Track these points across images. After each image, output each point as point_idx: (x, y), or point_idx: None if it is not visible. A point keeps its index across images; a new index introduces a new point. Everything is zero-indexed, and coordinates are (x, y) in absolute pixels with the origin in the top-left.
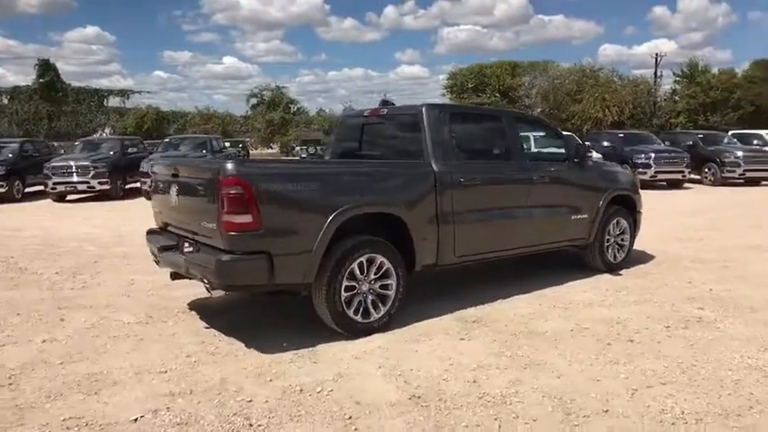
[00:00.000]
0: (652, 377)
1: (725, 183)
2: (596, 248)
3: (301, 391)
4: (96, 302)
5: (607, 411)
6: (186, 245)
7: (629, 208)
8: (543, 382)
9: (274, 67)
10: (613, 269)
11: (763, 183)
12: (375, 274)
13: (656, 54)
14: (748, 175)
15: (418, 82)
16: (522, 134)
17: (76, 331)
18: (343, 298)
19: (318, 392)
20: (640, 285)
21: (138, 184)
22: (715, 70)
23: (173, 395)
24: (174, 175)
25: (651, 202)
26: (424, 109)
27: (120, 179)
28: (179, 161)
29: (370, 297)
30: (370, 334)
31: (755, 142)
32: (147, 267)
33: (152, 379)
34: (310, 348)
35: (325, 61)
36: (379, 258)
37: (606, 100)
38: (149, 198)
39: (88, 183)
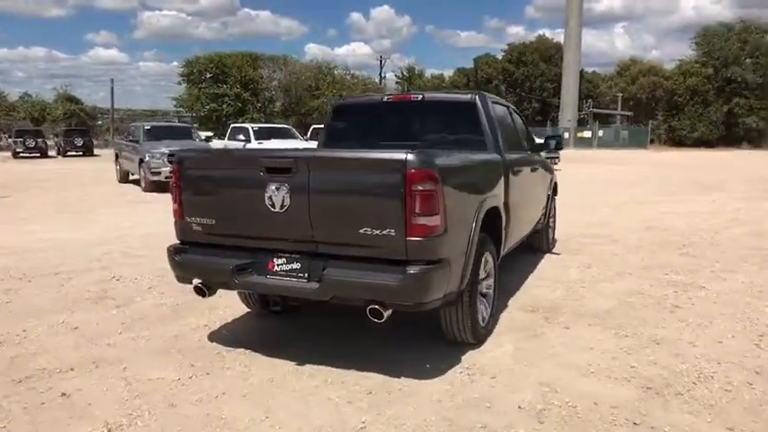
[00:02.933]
0: None
1: None
2: (546, 231)
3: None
4: None
5: None
6: (281, 261)
7: (555, 192)
8: None
9: None
10: (551, 250)
11: None
12: (485, 272)
13: (381, 56)
14: None
15: (117, 67)
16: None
17: None
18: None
19: (572, 406)
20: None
21: None
22: (429, 74)
23: None
24: (282, 171)
25: None
26: (478, 97)
27: None
28: (300, 153)
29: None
30: (482, 342)
31: None
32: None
33: None
34: (462, 366)
35: None
36: (489, 256)
37: (343, 97)
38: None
39: None
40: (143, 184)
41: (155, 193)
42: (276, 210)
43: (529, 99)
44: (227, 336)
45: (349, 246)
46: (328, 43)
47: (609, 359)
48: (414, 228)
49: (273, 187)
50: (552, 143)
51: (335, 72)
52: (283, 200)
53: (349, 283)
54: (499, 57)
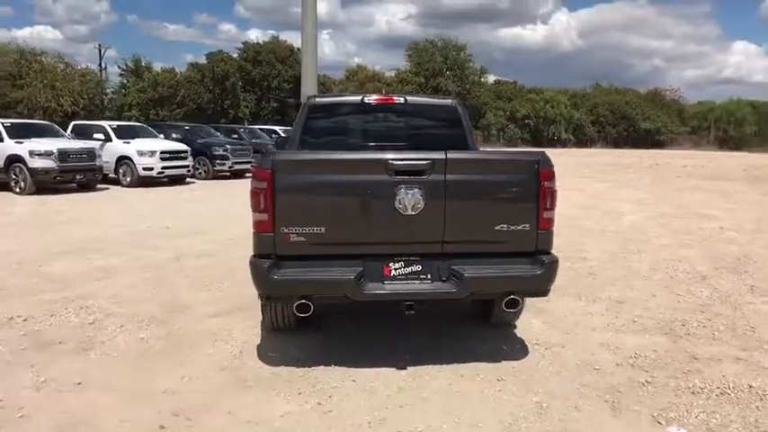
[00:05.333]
0: None
1: (216, 176)
2: None
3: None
4: None
5: None
6: (398, 265)
7: None
8: None
9: None
10: None
11: (247, 175)
12: None
13: (99, 45)
14: (236, 167)
15: None
16: None
17: None
18: None
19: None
20: None
21: None
22: (158, 68)
23: None
24: (415, 173)
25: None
26: (457, 102)
27: None
28: (437, 155)
29: None
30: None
31: (234, 136)
32: None
33: None
34: (528, 342)
35: None
36: None
37: (57, 88)
38: None
39: None
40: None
41: None
42: (408, 213)
43: (267, 98)
44: (279, 357)
45: (482, 243)
46: (4, 23)
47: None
48: (544, 221)
49: (405, 190)
50: None
51: (44, 60)
52: (416, 202)
53: (490, 278)
54: (234, 55)
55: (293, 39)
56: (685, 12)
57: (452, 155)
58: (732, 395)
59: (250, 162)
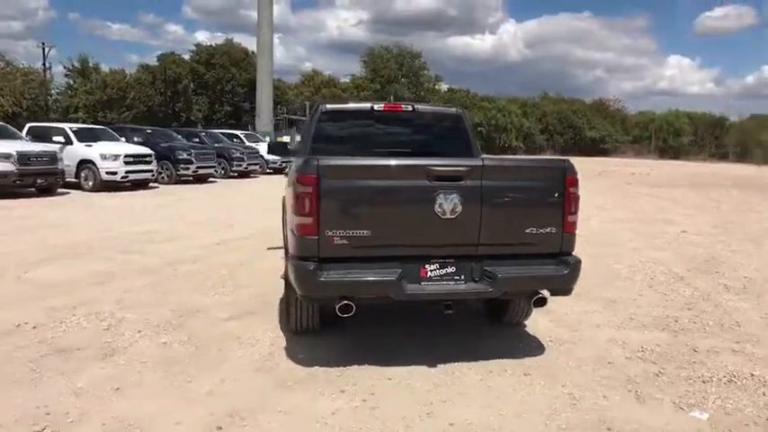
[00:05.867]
0: None
1: (178, 181)
2: None
3: None
4: None
5: None
6: (434, 267)
7: None
8: None
9: None
10: None
11: (210, 180)
12: None
13: (43, 44)
14: (200, 172)
15: None
16: None
17: None
18: None
19: None
20: None
21: None
22: (107, 69)
23: None
24: (453, 178)
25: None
26: (462, 110)
27: None
28: (474, 161)
29: None
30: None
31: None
32: None
33: None
34: (542, 338)
35: None
36: None
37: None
38: None
39: None
40: None
41: None
42: (446, 217)
43: (221, 102)
44: (310, 358)
45: (513, 245)
46: None
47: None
48: (568, 225)
49: (444, 195)
50: None
51: None
52: (454, 206)
53: (522, 278)
54: (186, 57)
55: (244, 42)
56: (625, 25)
57: (489, 161)
58: (738, 383)
59: (214, 167)
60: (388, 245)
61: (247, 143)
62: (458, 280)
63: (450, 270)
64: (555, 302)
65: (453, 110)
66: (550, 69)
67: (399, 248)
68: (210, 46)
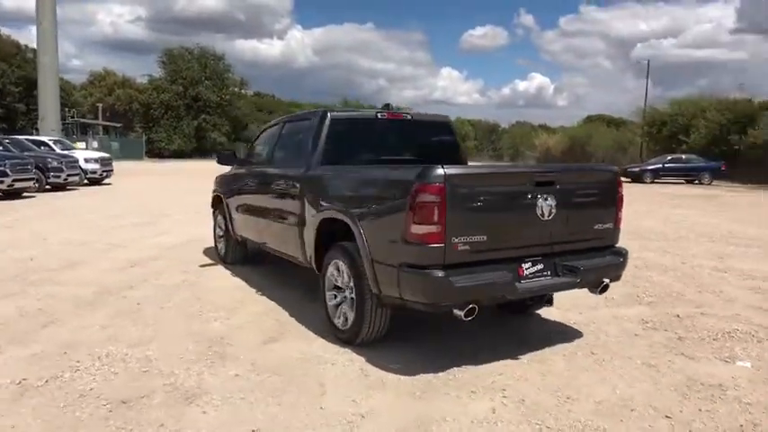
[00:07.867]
0: None
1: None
2: None
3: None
4: None
5: None
6: (528, 265)
7: None
8: None
9: None
10: None
11: (25, 194)
12: None
13: None
14: (17, 186)
15: None
16: None
17: None
18: None
19: None
20: None
21: None
22: None
23: None
24: (548, 183)
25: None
26: (449, 118)
27: None
28: (561, 167)
29: None
30: None
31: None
32: None
33: None
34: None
35: None
36: None
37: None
38: None
39: None
40: None
41: None
42: (545, 219)
43: None
44: (404, 368)
45: (585, 240)
46: None
47: None
48: (618, 220)
49: (543, 198)
50: None
51: None
52: (551, 209)
53: (598, 269)
54: None
55: (14, 35)
56: (404, 38)
57: (570, 168)
58: (735, 337)
59: (33, 179)
60: (498, 248)
61: (58, 150)
62: (546, 276)
63: (539, 267)
64: None
65: (444, 118)
66: (338, 77)
67: (506, 251)
68: None
